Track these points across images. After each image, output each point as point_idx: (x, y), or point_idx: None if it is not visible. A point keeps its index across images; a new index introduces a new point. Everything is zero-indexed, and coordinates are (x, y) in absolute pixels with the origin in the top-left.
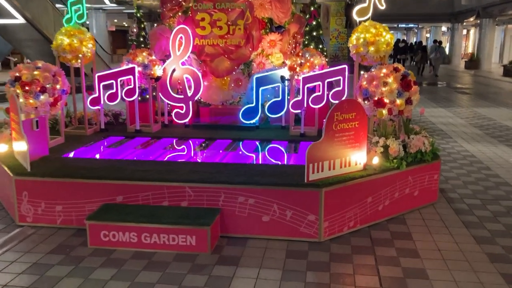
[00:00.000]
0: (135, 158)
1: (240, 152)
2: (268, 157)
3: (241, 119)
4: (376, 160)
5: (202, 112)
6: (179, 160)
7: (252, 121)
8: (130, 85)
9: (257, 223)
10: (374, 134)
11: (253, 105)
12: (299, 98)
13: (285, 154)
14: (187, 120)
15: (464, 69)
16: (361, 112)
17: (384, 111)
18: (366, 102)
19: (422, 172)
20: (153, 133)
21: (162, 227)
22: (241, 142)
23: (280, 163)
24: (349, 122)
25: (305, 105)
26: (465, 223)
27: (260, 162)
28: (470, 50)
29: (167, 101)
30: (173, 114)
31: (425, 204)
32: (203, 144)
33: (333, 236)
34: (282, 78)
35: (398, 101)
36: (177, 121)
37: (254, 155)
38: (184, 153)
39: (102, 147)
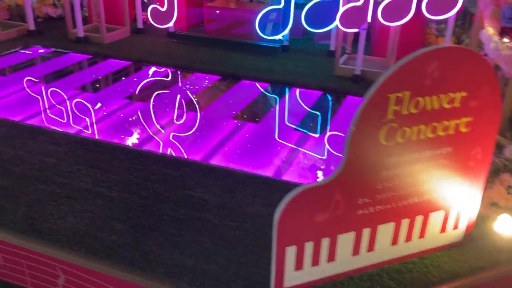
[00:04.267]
0: None
1: (195, 112)
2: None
3: (258, 30)
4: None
5: (207, 13)
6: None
7: (276, 36)
8: None
9: None
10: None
11: (280, 6)
12: (358, 3)
13: (306, 136)
14: (170, 24)
15: None
16: (486, 86)
17: None
18: (509, 40)
19: None
20: (104, 46)
21: None
22: (223, 87)
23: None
24: (442, 119)
25: (368, 19)
26: None
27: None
28: None
29: None
30: (148, 12)
31: None
32: (157, 81)
33: None
34: None
35: None
36: (154, 24)
37: (230, 134)
38: (97, 107)
39: None
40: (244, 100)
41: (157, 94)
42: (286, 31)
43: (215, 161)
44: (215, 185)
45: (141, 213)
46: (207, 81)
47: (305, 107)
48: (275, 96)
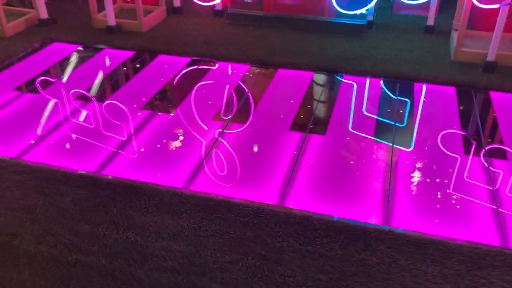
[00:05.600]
0: None
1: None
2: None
3: (335, 4)
4: None
5: None
6: None
7: (357, 11)
8: None
9: None
10: None
11: None
12: None
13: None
14: (218, 0)
15: None
16: None
17: None
18: None
19: None
20: (145, 37)
21: None
22: (332, 79)
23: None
24: None
25: None
26: None
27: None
28: None
29: None
30: None
31: None
32: (246, 90)
33: None
34: None
35: None
36: (197, 1)
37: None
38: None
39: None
40: (371, 108)
41: (262, 112)
42: (373, 4)
43: (408, 225)
44: (444, 274)
45: None
46: (300, 81)
47: (459, 114)
48: (406, 99)
